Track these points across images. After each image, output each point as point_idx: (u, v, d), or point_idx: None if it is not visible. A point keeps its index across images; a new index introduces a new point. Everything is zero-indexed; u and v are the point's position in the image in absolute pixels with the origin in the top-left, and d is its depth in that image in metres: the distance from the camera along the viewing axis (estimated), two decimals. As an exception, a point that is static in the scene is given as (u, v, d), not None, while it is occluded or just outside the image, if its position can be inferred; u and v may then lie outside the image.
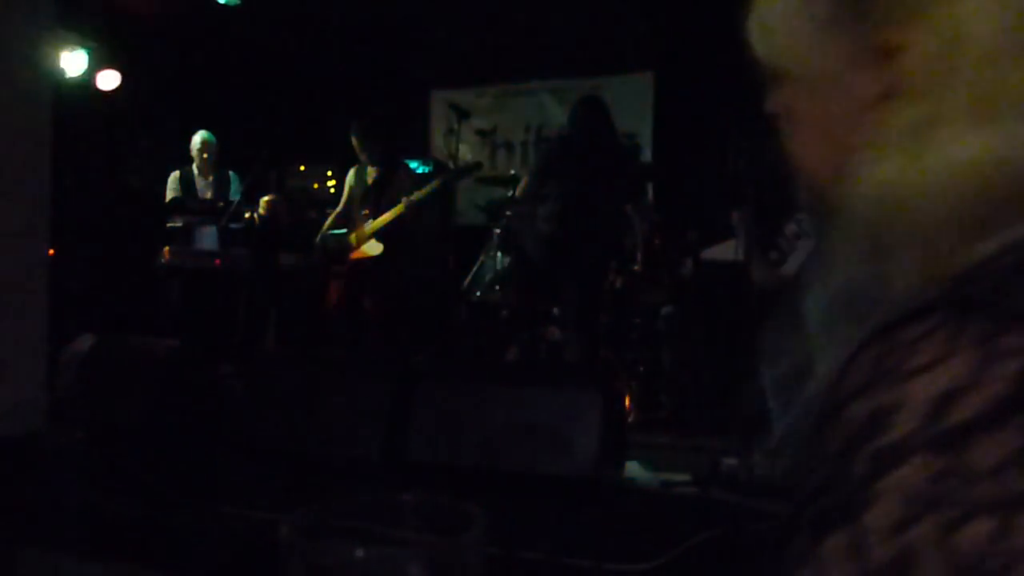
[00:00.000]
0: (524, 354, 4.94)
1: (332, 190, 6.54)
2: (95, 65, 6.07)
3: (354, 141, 5.15)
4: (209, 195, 5.77)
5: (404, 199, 4.91)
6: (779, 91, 0.64)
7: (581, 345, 4.43)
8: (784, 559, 0.48)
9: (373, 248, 5.08)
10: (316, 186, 6.73)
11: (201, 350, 3.71)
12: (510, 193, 5.10)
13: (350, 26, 6.39)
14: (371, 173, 5.24)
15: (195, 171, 5.82)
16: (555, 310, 4.81)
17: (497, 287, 5.22)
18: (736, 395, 3.40)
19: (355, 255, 5.12)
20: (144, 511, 3.10)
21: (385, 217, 5.02)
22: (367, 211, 5.12)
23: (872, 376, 0.47)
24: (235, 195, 5.65)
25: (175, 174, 5.82)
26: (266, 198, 5.64)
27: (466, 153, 6.48)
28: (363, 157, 5.20)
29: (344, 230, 5.21)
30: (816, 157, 0.63)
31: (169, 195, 5.75)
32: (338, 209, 5.35)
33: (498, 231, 5.22)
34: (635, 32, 6.25)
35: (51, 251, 4.21)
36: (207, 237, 5.72)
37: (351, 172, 5.34)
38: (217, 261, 5.53)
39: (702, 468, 3.32)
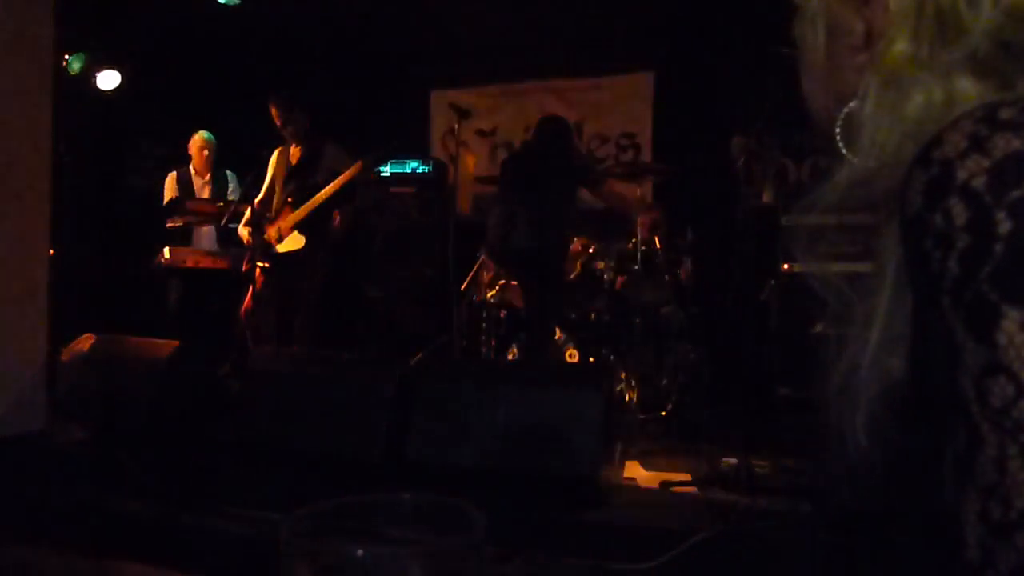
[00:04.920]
0: (524, 354, 4.94)
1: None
2: (95, 65, 6.07)
3: (274, 116, 4.76)
4: (206, 195, 5.77)
5: (324, 190, 4.60)
6: (795, 27, 0.65)
7: (535, 345, 4.51)
8: (955, 356, 0.45)
9: (295, 242, 4.71)
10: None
11: (201, 350, 3.70)
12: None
13: (350, 26, 6.39)
14: (295, 153, 4.88)
15: (192, 171, 5.82)
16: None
17: (497, 287, 5.22)
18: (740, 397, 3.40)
19: (278, 249, 4.73)
20: (145, 511, 3.10)
21: (304, 208, 4.66)
22: (289, 199, 4.73)
23: (983, 131, 0.46)
24: (233, 195, 5.65)
25: (172, 174, 5.82)
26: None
27: (466, 153, 6.48)
28: (285, 134, 4.82)
29: (266, 221, 4.80)
30: (821, 94, 0.64)
31: (167, 195, 5.76)
32: (260, 196, 4.92)
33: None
34: (635, 32, 6.25)
35: (51, 251, 4.21)
36: (206, 237, 5.73)
37: (275, 153, 4.96)
38: (216, 261, 5.53)
39: (702, 468, 3.32)
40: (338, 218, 4.77)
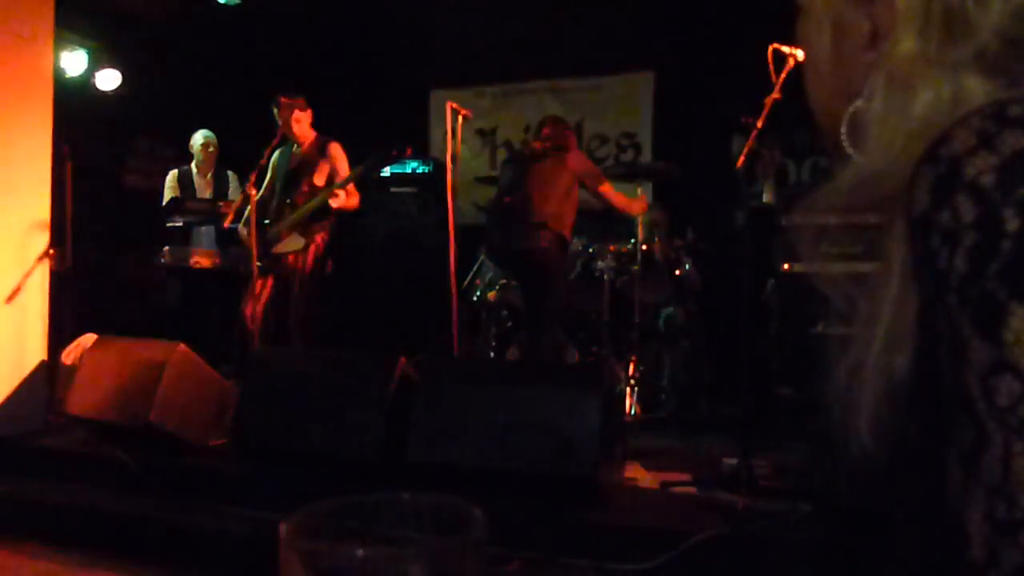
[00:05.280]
0: (524, 354, 4.95)
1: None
2: (95, 65, 6.07)
3: (276, 116, 4.71)
4: (208, 195, 5.77)
5: (325, 191, 4.54)
6: (799, 27, 0.65)
7: (535, 345, 4.53)
8: (958, 356, 0.45)
9: (294, 243, 4.67)
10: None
11: (201, 350, 3.69)
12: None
13: (350, 26, 6.39)
14: (295, 154, 4.84)
15: (194, 170, 5.82)
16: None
17: (497, 287, 5.22)
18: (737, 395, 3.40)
19: (276, 249, 4.67)
20: (145, 511, 3.10)
21: (305, 209, 4.61)
22: (288, 200, 4.68)
23: (991, 128, 0.46)
24: (234, 195, 5.65)
25: (173, 173, 5.82)
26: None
27: (467, 153, 6.48)
28: (286, 134, 4.74)
29: (266, 221, 4.72)
30: (826, 94, 0.64)
31: (167, 195, 5.75)
32: (260, 193, 4.79)
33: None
34: (635, 32, 6.25)
35: (51, 251, 4.21)
36: (206, 237, 5.72)
37: (276, 153, 4.87)
38: (216, 261, 5.53)
39: (702, 468, 3.32)
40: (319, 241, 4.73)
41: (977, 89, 0.51)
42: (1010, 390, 0.43)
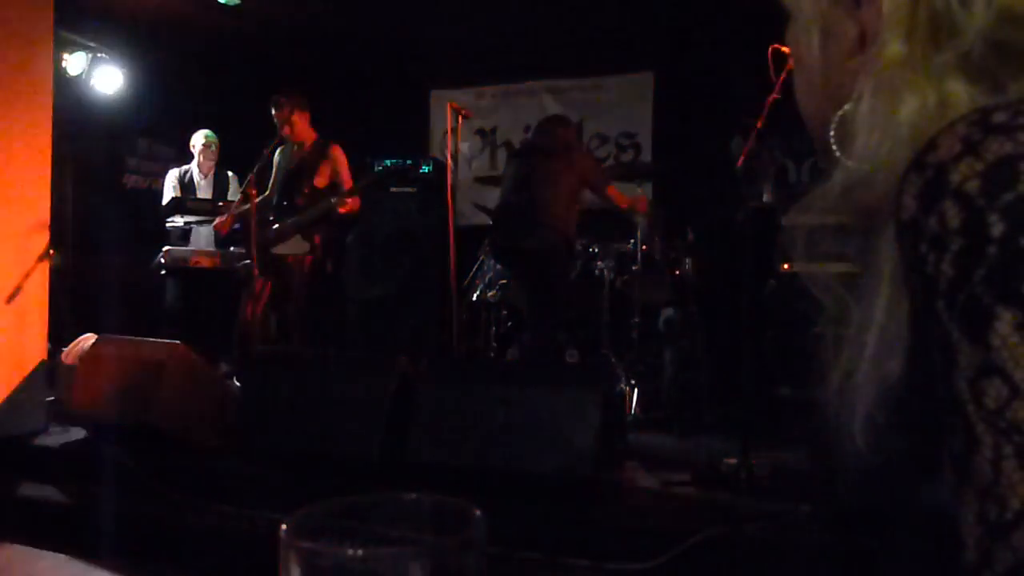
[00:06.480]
0: (524, 354, 4.94)
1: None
2: (95, 65, 6.07)
3: (275, 116, 4.65)
4: (208, 195, 5.77)
5: (333, 198, 4.51)
6: (787, 32, 0.65)
7: (535, 345, 4.52)
8: (949, 357, 0.46)
9: (294, 245, 4.61)
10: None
11: (201, 350, 3.70)
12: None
13: (350, 26, 6.39)
14: (295, 154, 4.77)
15: (194, 170, 5.82)
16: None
17: (497, 287, 5.22)
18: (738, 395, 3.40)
19: (277, 251, 4.64)
20: (145, 511, 3.10)
21: (310, 214, 4.56)
22: (286, 201, 4.63)
23: (976, 135, 0.46)
24: (234, 195, 5.65)
25: (173, 173, 5.82)
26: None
27: (467, 153, 6.48)
28: (285, 135, 4.66)
29: (266, 221, 4.67)
30: (815, 99, 0.64)
31: (167, 195, 5.75)
32: (266, 193, 4.79)
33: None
34: (635, 32, 6.25)
35: (51, 251, 4.21)
36: (206, 237, 5.73)
37: (277, 153, 4.81)
38: (216, 261, 5.53)
39: (702, 468, 3.32)
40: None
41: (962, 94, 0.52)
42: (998, 393, 0.44)
